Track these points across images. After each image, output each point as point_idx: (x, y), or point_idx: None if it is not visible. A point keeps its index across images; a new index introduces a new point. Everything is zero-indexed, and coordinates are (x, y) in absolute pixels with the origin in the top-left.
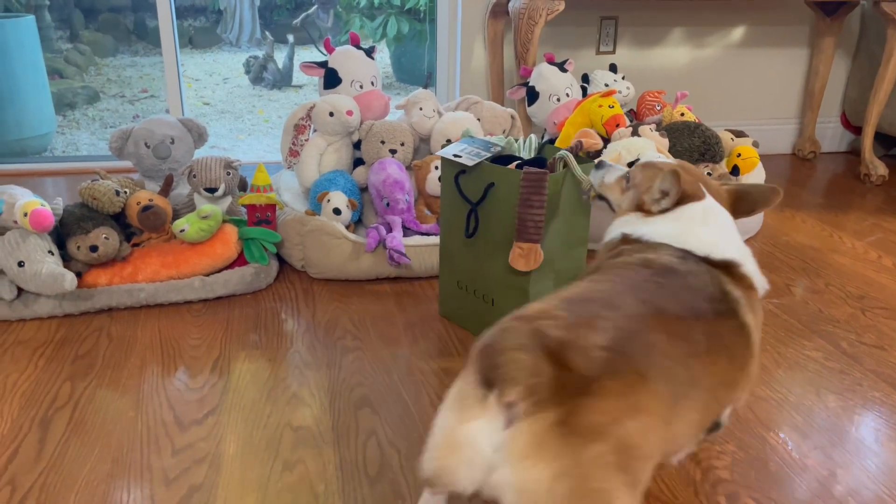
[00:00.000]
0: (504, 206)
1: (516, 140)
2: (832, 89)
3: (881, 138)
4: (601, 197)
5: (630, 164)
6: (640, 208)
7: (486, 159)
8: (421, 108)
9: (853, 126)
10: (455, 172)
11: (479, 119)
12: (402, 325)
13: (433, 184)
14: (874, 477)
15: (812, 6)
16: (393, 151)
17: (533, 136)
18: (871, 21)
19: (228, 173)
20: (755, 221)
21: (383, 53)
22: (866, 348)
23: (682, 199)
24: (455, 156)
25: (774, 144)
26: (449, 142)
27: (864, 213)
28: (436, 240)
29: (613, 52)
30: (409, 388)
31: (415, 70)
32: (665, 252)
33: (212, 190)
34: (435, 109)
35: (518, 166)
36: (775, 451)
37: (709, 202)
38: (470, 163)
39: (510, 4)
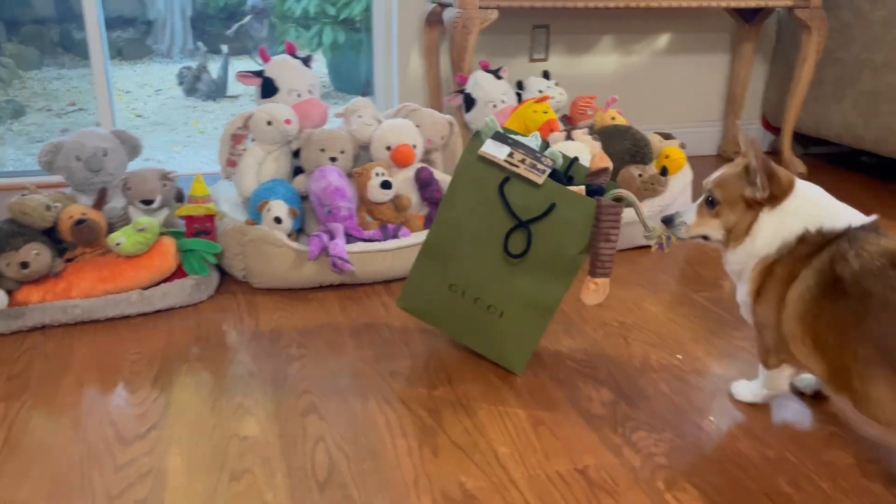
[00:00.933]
0: (558, 229)
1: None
2: (753, 93)
3: (799, 138)
4: (703, 237)
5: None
6: (751, 207)
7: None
8: (360, 116)
9: (773, 127)
10: (500, 180)
11: (418, 126)
12: (348, 331)
13: (374, 191)
14: (803, 459)
15: (731, 13)
16: (333, 159)
17: (558, 151)
18: (786, 27)
19: (164, 184)
20: None
21: (320, 63)
22: None
23: (769, 171)
24: (510, 162)
25: (701, 146)
26: (388, 149)
27: None
28: (379, 246)
29: (546, 59)
30: (356, 393)
31: (352, 79)
32: (859, 237)
33: (148, 202)
34: (374, 117)
35: (588, 193)
36: (710, 438)
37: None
38: (539, 179)
39: (444, 14)
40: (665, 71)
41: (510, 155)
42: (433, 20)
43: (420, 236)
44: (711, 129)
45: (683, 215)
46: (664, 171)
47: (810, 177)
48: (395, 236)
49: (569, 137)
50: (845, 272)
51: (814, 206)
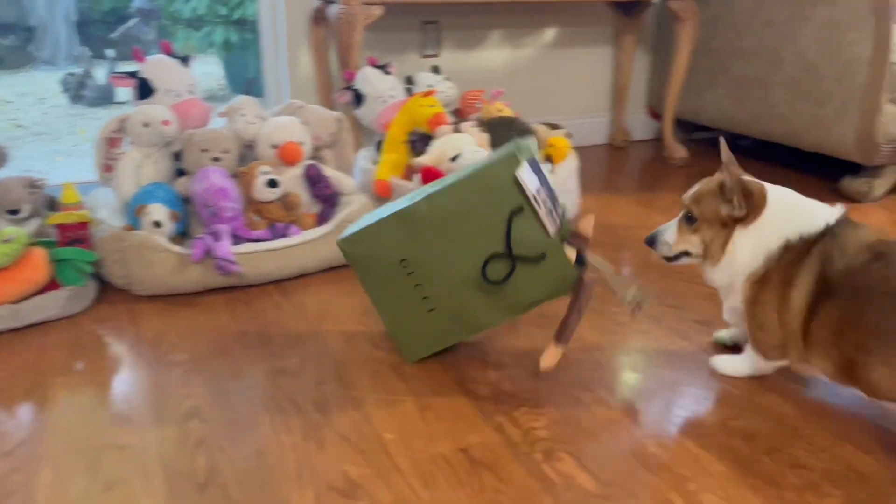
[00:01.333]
0: (532, 276)
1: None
2: (637, 83)
3: (683, 125)
4: (684, 254)
5: (452, 159)
6: (726, 225)
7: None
8: (243, 115)
9: (658, 115)
10: (515, 206)
11: (305, 123)
12: (235, 333)
13: (260, 190)
14: (677, 423)
15: (612, 7)
16: (216, 159)
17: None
18: (663, 19)
19: (31, 193)
20: (574, 203)
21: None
22: (666, 309)
23: (745, 189)
24: (536, 199)
25: (592, 136)
26: (274, 147)
27: (668, 192)
28: (268, 245)
29: (438, 55)
30: (241, 394)
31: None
32: (838, 234)
33: (14, 211)
34: (258, 115)
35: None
36: (588, 409)
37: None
38: (551, 229)
39: (329, 10)
40: (553, 64)
41: (538, 191)
42: (320, 17)
43: (311, 234)
44: (600, 119)
45: (664, 234)
46: (548, 160)
47: (693, 162)
48: (284, 235)
49: (456, 130)
50: (833, 273)
51: (789, 215)
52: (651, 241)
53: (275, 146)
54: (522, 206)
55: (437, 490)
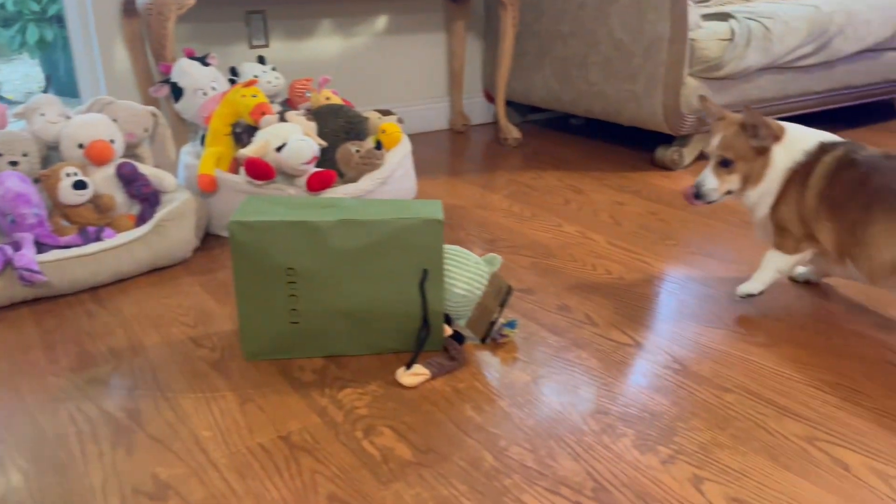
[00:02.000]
0: (407, 327)
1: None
2: (473, 68)
3: (517, 107)
4: (727, 193)
5: (278, 149)
6: (760, 153)
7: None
8: (43, 114)
9: (493, 98)
10: (424, 268)
11: (115, 120)
12: (42, 345)
13: (66, 192)
14: (488, 386)
15: None
16: (14, 163)
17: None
18: (490, 4)
19: None
20: (410, 186)
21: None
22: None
23: (764, 122)
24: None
25: (433, 122)
26: (81, 147)
27: (503, 172)
28: (78, 252)
29: (267, 45)
30: (45, 408)
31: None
32: (854, 143)
33: None
34: (60, 114)
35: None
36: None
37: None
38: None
39: (138, 1)
40: (387, 51)
41: (503, 302)
42: (130, 9)
43: (127, 236)
44: (440, 105)
45: (706, 184)
46: (378, 145)
47: (527, 142)
48: (97, 239)
49: (282, 119)
50: (857, 156)
51: (810, 133)
52: (698, 195)
53: (82, 145)
54: (430, 269)
55: (254, 480)
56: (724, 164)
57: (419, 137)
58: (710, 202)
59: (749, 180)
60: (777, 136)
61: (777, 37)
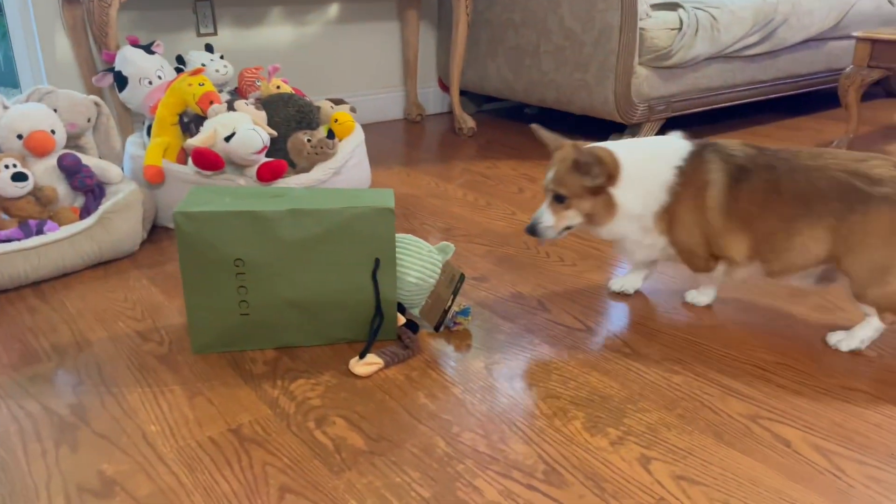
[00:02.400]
0: (358, 315)
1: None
2: (427, 58)
3: (472, 97)
4: (566, 228)
5: (227, 139)
6: (597, 192)
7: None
8: None
9: (448, 88)
10: (376, 257)
11: (55, 109)
12: None
13: (4, 185)
14: (441, 373)
15: None
16: None
17: (457, 273)
18: None
19: None
20: (364, 176)
21: None
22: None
23: (597, 158)
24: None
25: (388, 111)
26: (20, 137)
27: (458, 161)
28: (18, 246)
29: (215, 33)
30: None
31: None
32: (707, 145)
33: None
34: None
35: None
36: None
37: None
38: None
39: None
40: (340, 40)
41: (455, 290)
42: None
43: (70, 229)
44: (395, 94)
45: (542, 220)
46: (331, 135)
47: (482, 132)
48: (39, 233)
49: (230, 108)
50: (742, 161)
51: (651, 153)
52: (532, 231)
53: (21, 136)
54: (382, 259)
55: (203, 474)
56: (559, 200)
57: (373, 127)
58: (547, 237)
59: (593, 218)
60: (612, 177)
61: (724, 26)
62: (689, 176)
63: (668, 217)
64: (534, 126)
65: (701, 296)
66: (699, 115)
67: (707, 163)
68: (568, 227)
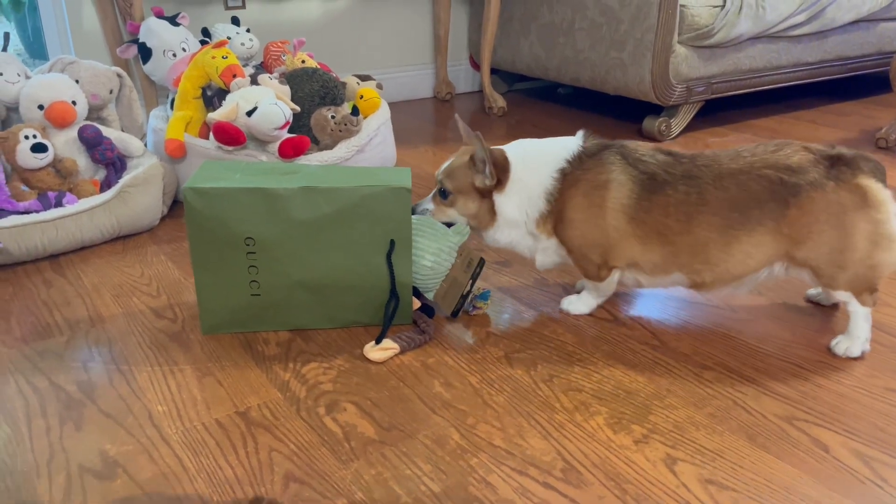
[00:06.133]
0: (372, 299)
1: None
2: (458, 34)
3: (504, 75)
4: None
5: (249, 113)
6: (484, 195)
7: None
8: (0, 74)
9: (478, 66)
10: (391, 238)
11: (77, 80)
12: None
13: (24, 156)
14: (458, 360)
15: None
16: None
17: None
18: None
19: None
20: (389, 155)
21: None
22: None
23: (493, 159)
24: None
25: (417, 89)
26: (41, 108)
27: (486, 141)
28: (36, 217)
29: (244, 6)
30: None
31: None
32: (615, 144)
33: None
34: (20, 73)
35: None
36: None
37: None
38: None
39: None
40: (370, 16)
41: (474, 275)
42: None
43: (89, 202)
44: (424, 71)
45: (426, 204)
46: (355, 111)
47: (513, 111)
48: (58, 205)
49: (254, 82)
50: (654, 168)
51: (538, 155)
52: (412, 211)
53: (42, 107)
54: (397, 240)
55: (206, 458)
56: (443, 195)
57: (402, 105)
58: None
59: (477, 221)
60: (501, 182)
61: (769, 4)
62: (579, 177)
63: (555, 219)
64: (456, 116)
65: (579, 303)
66: (740, 98)
67: (605, 164)
68: (448, 225)
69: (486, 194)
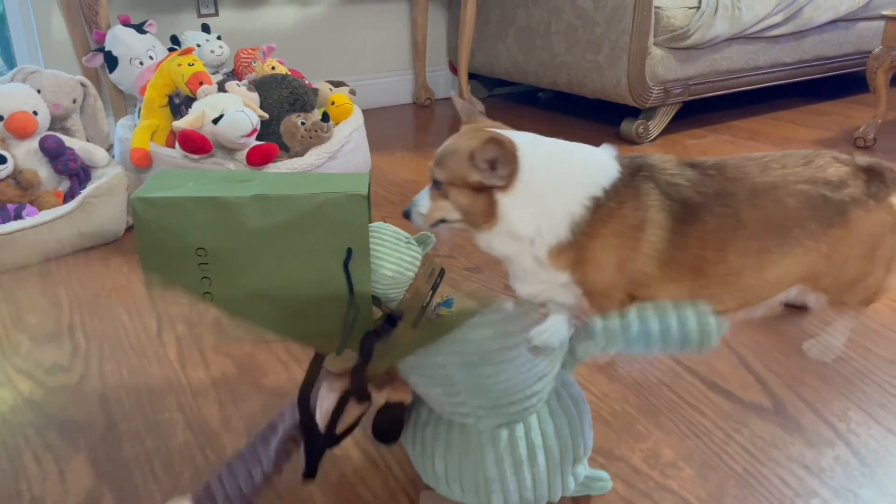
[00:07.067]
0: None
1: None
2: (437, 39)
3: (484, 80)
4: (442, 221)
5: (215, 121)
6: (482, 189)
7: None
8: None
9: (457, 71)
10: (347, 247)
11: (39, 90)
12: None
13: None
14: None
15: None
16: None
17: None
18: None
19: None
20: (362, 161)
21: None
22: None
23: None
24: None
25: (396, 95)
26: (1, 119)
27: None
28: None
29: (217, 13)
30: None
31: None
32: (642, 166)
33: None
34: None
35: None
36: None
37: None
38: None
39: None
40: (347, 22)
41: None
42: None
43: (49, 214)
44: (403, 77)
45: (418, 204)
46: (325, 117)
47: (492, 116)
48: (18, 217)
49: (221, 89)
50: (687, 192)
51: (568, 171)
52: (406, 214)
53: (1, 117)
54: (355, 249)
55: None
56: (436, 185)
57: (381, 111)
58: (417, 225)
59: (469, 218)
60: (506, 184)
61: (745, 4)
62: (613, 211)
63: (575, 255)
64: (452, 94)
65: (554, 328)
66: (718, 99)
67: (641, 197)
68: (443, 221)
69: (480, 190)
